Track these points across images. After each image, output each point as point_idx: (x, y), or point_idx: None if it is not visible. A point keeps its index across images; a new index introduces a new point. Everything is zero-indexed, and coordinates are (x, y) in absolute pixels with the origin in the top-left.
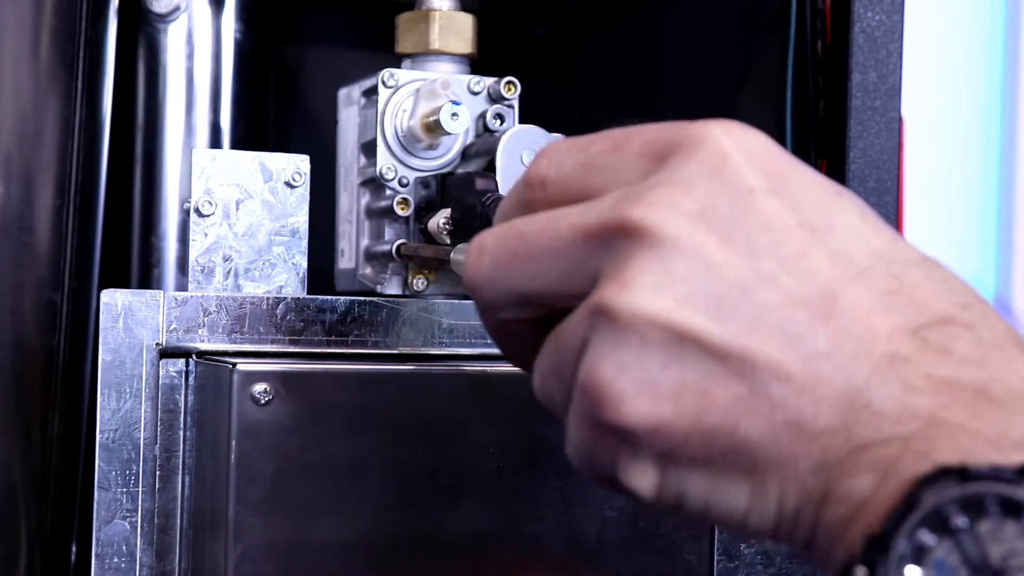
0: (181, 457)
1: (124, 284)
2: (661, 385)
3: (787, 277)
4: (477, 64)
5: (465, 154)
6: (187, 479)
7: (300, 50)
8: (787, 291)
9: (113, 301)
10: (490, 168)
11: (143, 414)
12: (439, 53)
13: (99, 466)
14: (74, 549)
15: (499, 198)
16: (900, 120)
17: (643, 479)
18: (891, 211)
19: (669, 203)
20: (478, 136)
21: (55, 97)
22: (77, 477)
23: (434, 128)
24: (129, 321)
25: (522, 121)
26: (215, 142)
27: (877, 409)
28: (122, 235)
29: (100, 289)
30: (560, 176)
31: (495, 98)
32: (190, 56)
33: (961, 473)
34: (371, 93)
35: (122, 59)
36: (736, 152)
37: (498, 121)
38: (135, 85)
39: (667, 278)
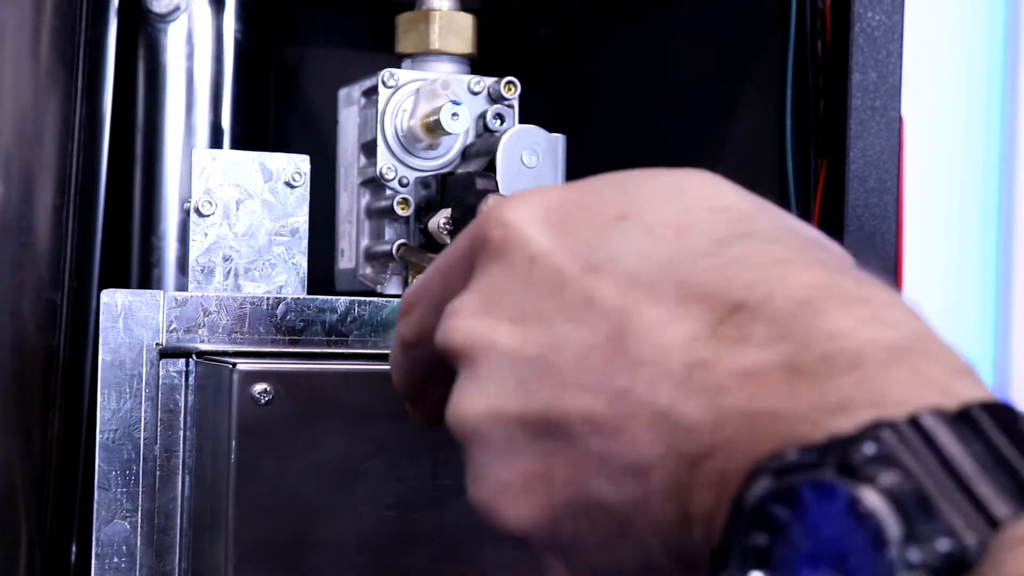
0: (181, 457)
1: (124, 284)
2: (511, 484)
3: (578, 329)
4: (477, 64)
5: (465, 154)
6: (187, 479)
7: (300, 50)
8: (581, 343)
9: (113, 301)
10: (490, 168)
11: (143, 414)
12: (439, 53)
13: (99, 466)
14: (74, 549)
15: (498, 197)
16: (900, 120)
17: (557, 571)
18: (891, 211)
19: (461, 312)
20: (478, 136)
21: (55, 97)
22: (77, 477)
23: (434, 128)
24: (129, 321)
25: (522, 121)
26: (215, 142)
27: (691, 423)
28: (122, 235)
29: (100, 289)
30: (409, 304)
31: (495, 98)
32: (190, 56)
33: (773, 469)
34: (371, 93)
35: (122, 59)
36: (516, 226)
37: (498, 121)
38: (135, 85)
39: (477, 383)
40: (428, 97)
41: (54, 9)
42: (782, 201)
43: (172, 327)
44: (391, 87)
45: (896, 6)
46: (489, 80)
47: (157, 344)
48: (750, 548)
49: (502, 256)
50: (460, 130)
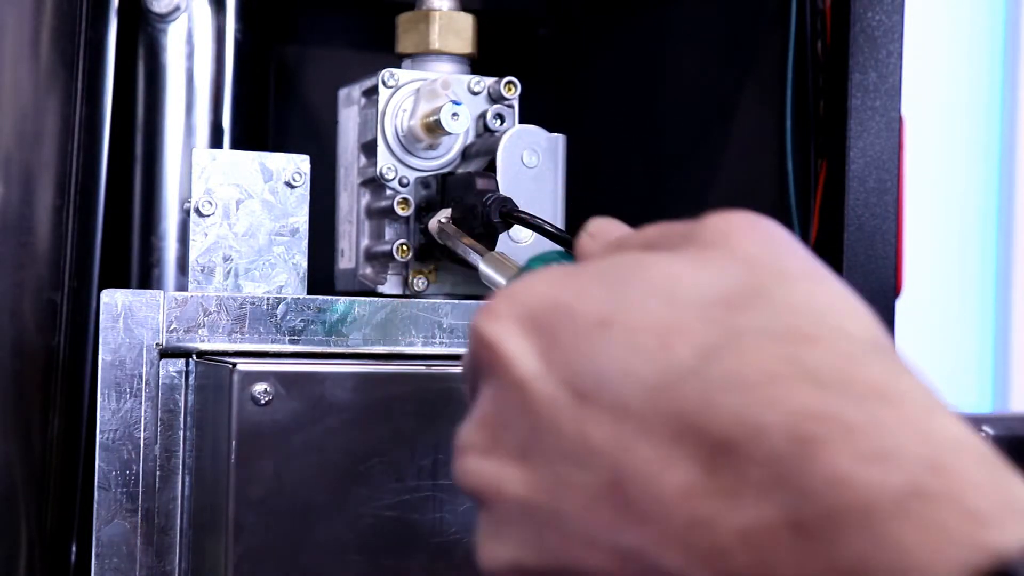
0: (181, 457)
1: (124, 284)
2: None
3: (580, 472)
4: (477, 64)
5: (465, 154)
6: (187, 479)
7: (300, 50)
8: (584, 489)
9: (113, 301)
10: (491, 168)
11: (143, 414)
12: (439, 53)
13: (99, 466)
14: (74, 549)
15: (499, 198)
16: (900, 120)
17: None
18: (891, 211)
19: (470, 451)
20: (478, 136)
21: (55, 97)
22: (77, 477)
23: (434, 128)
24: (129, 321)
25: (522, 121)
26: (215, 142)
27: None
28: (122, 235)
29: (100, 289)
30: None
31: (495, 98)
32: (190, 56)
33: None
34: (371, 93)
35: (122, 59)
36: (499, 345)
37: (498, 121)
38: (135, 85)
39: (496, 528)
40: (428, 97)
41: (54, 9)
42: (782, 201)
43: (172, 327)
44: (391, 87)
45: (896, 6)
46: (489, 80)
47: (157, 344)
48: None
49: (494, 378)
50: (460, 130)
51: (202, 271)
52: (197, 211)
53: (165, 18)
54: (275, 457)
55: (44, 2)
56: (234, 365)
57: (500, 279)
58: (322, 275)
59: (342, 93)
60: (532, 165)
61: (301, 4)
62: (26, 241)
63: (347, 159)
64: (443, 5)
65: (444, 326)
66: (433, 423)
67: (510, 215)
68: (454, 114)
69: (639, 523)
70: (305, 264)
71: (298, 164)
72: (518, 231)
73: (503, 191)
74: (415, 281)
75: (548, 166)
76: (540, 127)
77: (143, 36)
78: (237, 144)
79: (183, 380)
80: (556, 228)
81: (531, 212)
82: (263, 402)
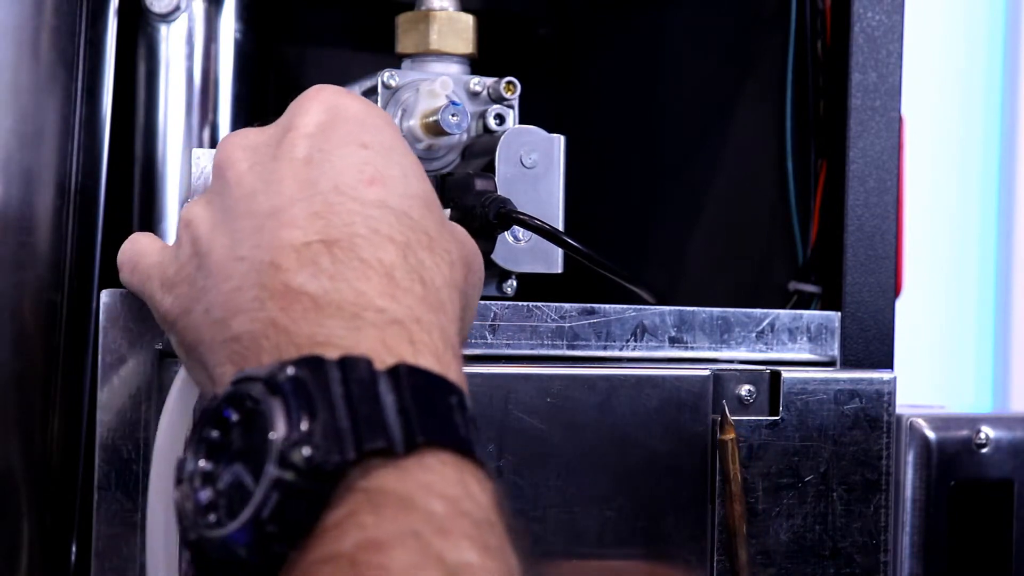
0: None
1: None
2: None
3: (263, 197)
4: (477, 64)
5: (465, 154)
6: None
7: (300, 50)
8: (252, 207)
9: (113, 301)
10: (490, 168)
11: (143, 414)
12: (439, 53)
13: (99, 466)
14: (74, 549)
15: (497, 198)
16: (900, 120)
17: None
18: (891, 211)
19: (194, 206)
20: (478, 136)
21: (55, 97)
22: (77, 477)
23: (434, 128)
24: (129, 321)
25: (523, 121)
26: (215, 142)
27: (244, 307)
28: (122, 235)
29: (100, 289)
30: None
31: (495, 98)
32: (190, 56)
33: (236, 377)
34: (371, 93)
35: (122, 59)
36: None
37: (498, 121)
38: (135, 85)
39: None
40: (428, 97)
41: (54, 9)
42: (782, 201)
43: None
44: (391, 87)
45: (896, 6)
46: (489, 80)
47: (157, 344)
48: (204, 439)
49: (220, 180)
50: (459, 131)
51: None
52: None
53: (165, 18)
54: None
55: (44, 2)
56: None
57: None
58: None
59: None
60: (531, 165)
61: (301, 4)
62: (26, 241)
63: None
64: (443, 5)
65: None
66: None
67: (508, 216)
68: (453, 114)
69: (256, 245)
70: None
71: None
72: (517, 231)
73: (501, 191)
74: None
75: (547, 166)
76: (540, 127)
77: (143, 36)
78: None
79: None
80: (553, 228)
81: (529, 212)
82: None
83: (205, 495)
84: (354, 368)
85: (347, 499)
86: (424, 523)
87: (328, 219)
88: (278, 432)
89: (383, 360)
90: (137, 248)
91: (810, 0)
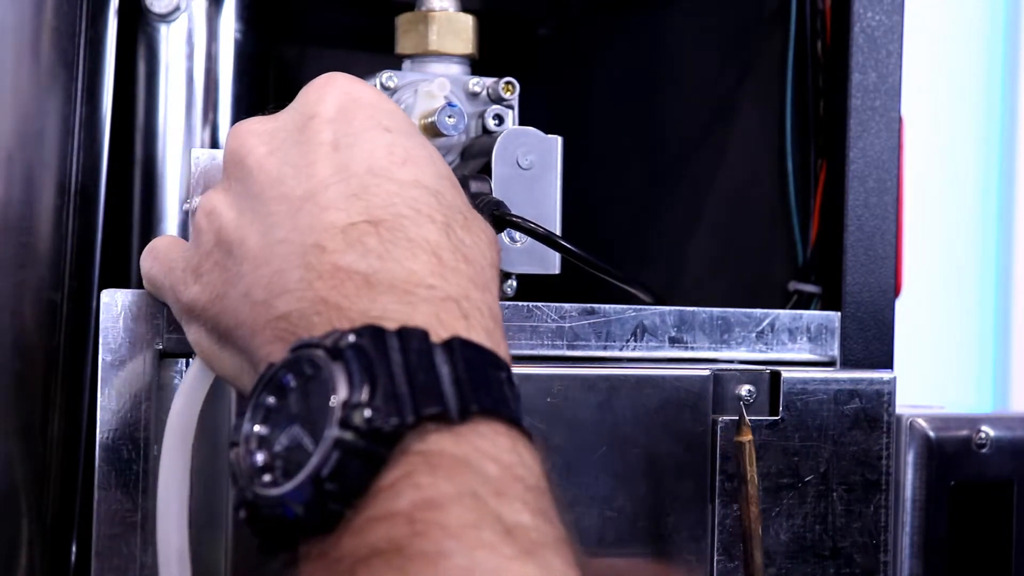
0: None
1: (124, 284)
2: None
3: (294, 182)
4: (477, 64)
5: (464, 155)
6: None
7: (300, 50)
8: (283, 192)
9: (113, 301)
10: (487, 169)
11: (143, 414)
12: (439, 54)
13: (99, 466)
14: (74, 549)
15: (491, 201)
16: (900, 120)
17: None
18: (891, 211)
19: (215, 192)
20: (477, 137)
21: (55, 97)
22: (77, 477)
23: (431, 130)
24: (129, 321)
25: (522, 121)
26: (215, 142)
27: (290, 287)
28: (122, 235)
29: (100, 289)
30: None
31: (494, 99)
32: (190, 56)
33: (295, 345)
34: None
35: (122, 59)
36: (238, 139)
37: (497, 122)
38: (135, 85)
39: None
40: (425, 99)
41: (54, 9)
42: (782, 201)
43: (172, 327)
44: (390, 88)
45: (896, 6)
46: (488, 81)
47: (157, 344)
48: (261, 405)
49: (238, 167)
50: (455, 132)
51: None
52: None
53: (165, 18)
54: None
55: (44, 2)
56: None
57: None
58: None
59: None
60: (528, 167)
61: (301, 4)
62: (26, 241)
63: None
64: (443, 6)
65: None
66: None
67: (502, 218)
68: (449, 116)
69: (295, 227)
70: None
71: None
72: (514, 232)
73: (497, 193)
74: None
75: (544, 167)
76: (538, 128)
77: (143, 36)
78: None
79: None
80: (547, 231)
81: (525, 215)
82: None
83: (260, 457)
84: (412, 338)
85: (403, 461)
86: (481, 484)
87: (368, 200)
88: (340, 395)
89: (438, 334)
90: (159, 243)
91: (810, 0)
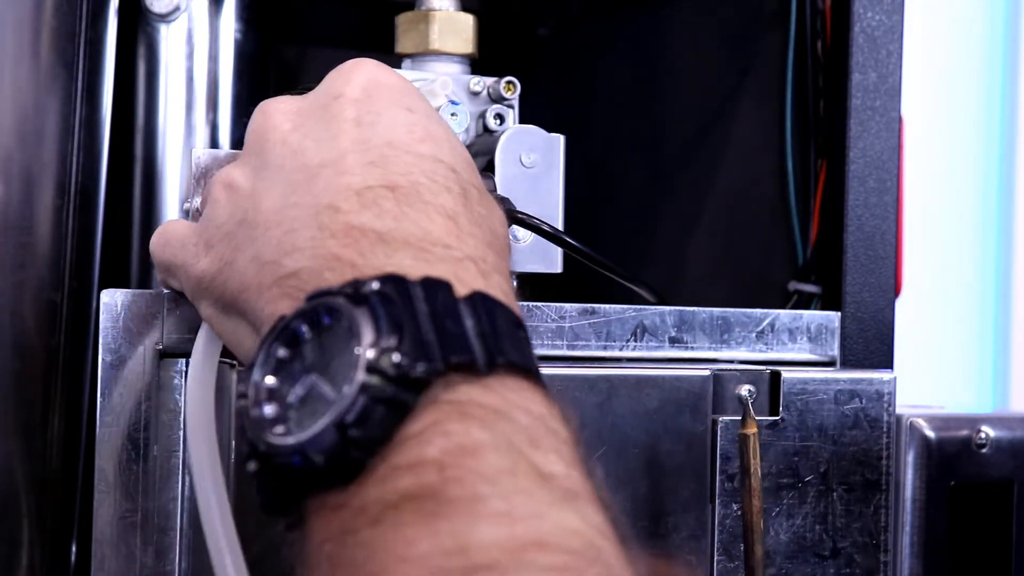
0: (181, 457)
1: (124, 284)
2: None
3: (313, 153)
4: (477, 64)
5: None
6: (187, 479)
7: (300, 50)
8: (303, 161)
9: (113, 301)
10: (489, 168)
11: (143, 414)
12: (439, 53)
13: (99, 466)
14: (74, 549)
15: (497, 198)
16: (900, 120)
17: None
18: (891, 211)
19: (232, 168)
20: (478, 136)
21: (55, 97)
22: (77, 477)
23: None
24: (129, 321)
25: (522, 121)
26: (215, 142)
27: (300, 246)
28: (122, 235)
29: (100, 289)
30: None
31: (495, 98)
32: (190, 56)
33: (310, 295)
34: None
35: (122, 59)
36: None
37: (498, 121)
38: (135, 85)
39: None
40: (428, 97)
41: (54, 9)
42: (782, 201)
43: (172, 327)
44: None
45: (896, 6)
46: (489, 80)
47: (157, 344)
48: (273, 356)
49: (264, 140)
50: (458, 130)
51: None
52: (197, 211)
53: (165, 18)
54: None
55: (44, 2)
56: (233, 365)
57: None
58: None
59: None
60: (530, 165)
61: (301, 4)
62: (26, 241)
63: None
64: (443, 5)
65: None
66: None
67: (507, 215)
68: (452, 114)
69: (309, 191)
70: None
71: None
72: (516, 231)
73: (501, 191)
74: None
75: (546, 166)
76: (539, 127)
77: (143, 36)
78: (237, 144)
79: (183, 380)
80: (554, 228)
81: (529, 212)
82: None
83: (271, 408)
84: (436, 288)
85: (431, 409)
86: (515, 432)
87: (386, 168)
88: (365, 340)
89: (457, 289)
90: (169, 226)
91: (810, 0)
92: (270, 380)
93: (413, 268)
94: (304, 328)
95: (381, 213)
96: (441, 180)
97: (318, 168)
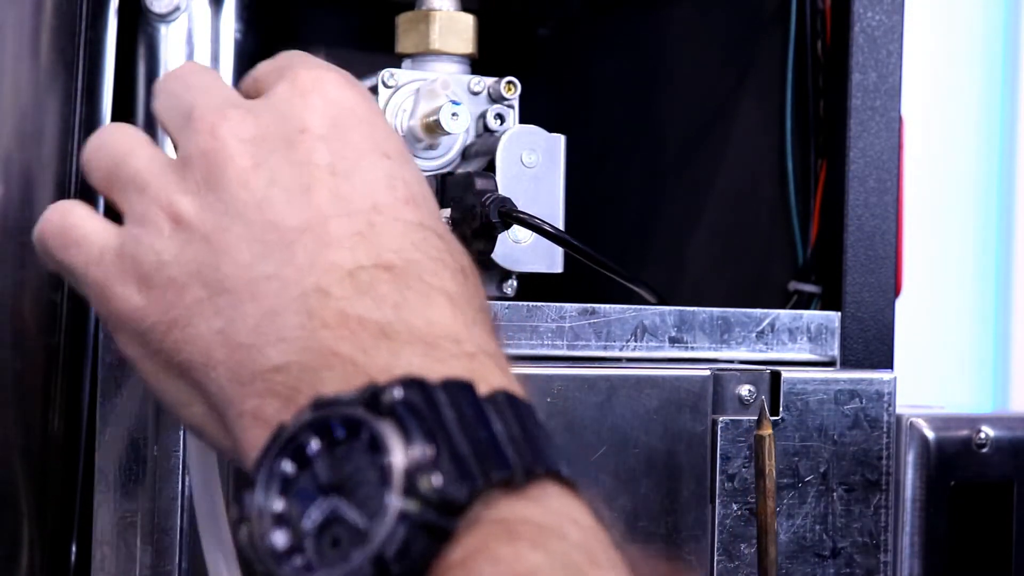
0: (181, 457)
1: None
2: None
3: (285, 208)
4: (477, 64)
5: (465, 154)
6: (187, 479)
7: (300, 50)
8: (272, 218)
9: None
10: (490, 168)
11: (143, 414)
12: (439, 53)
13: (99, 466)
14: (74, 549)
15: (498, 198)
16: (900, 120)
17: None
18: (891, 211)
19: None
20: (478, 136)
21: (55, 97)
22: (77, 477)
23: (434, 128)
24: None
25: (522, 121)
26: None
27: (286, 335)
28: None
29: None
30: None
31: (495, 98)
32: (190, 56)
33: (316, 402)
34: (371, 93)
35: (122, 59)
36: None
37: (498, 121)
38: (135, 85)
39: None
40: (428, 97)
41: (54, 9)
42: (782, 201)
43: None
44: (391, 87)
45: (896, 6)
46: (489, 80)
47: None
48: (278, 473)
49: (198, 136)
50: (459, 130)
51: None
52: None
53: (165, 18)
54: None
55: (44, 2)
56: None
57: None
58: None
59: None
60: (531, 165)
61: (301, 4)
62: (26, 241)
63: None
64: (443, 5)
65: None
66: None
67: (509, 215)
68: (453, 114)
69: (288, 264)
70: None
71: None
72: (517, 231)
73: (502, 191)
74: None
75: (547, 166)
76: (540, 127)
77: (143, 36)
78: None
79: None
80: (555, 228)
81: (530, 212)
82: None
83: (282, 538)
84: (458, 391)
85: (473, 531)
86: (576, 551)
87: (374, 241)
88: (396, 459)
89: (479, 389)
90: (74, 221)
91: (810, 0)
92: (277, 502)
93: (425, 368)
94: (313, 441)
95: (379, 300)
96: (435, 254)
97: (295, 233)
